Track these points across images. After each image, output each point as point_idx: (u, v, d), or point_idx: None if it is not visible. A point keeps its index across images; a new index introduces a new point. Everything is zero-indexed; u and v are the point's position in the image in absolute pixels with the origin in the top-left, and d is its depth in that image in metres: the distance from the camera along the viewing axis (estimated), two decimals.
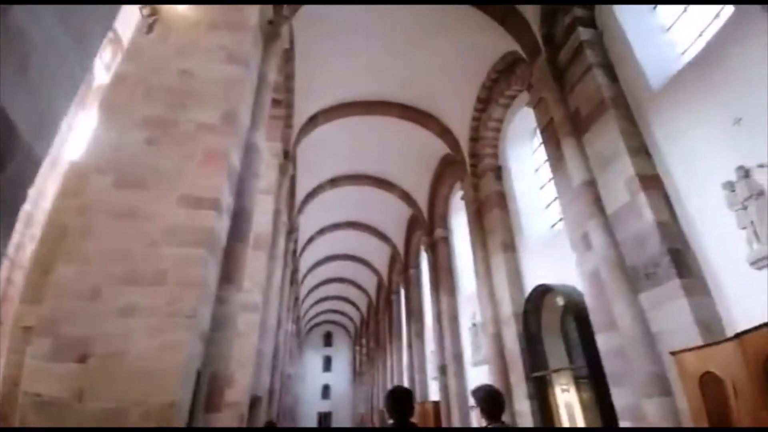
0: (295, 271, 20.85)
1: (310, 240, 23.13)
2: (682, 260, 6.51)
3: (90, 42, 1.37)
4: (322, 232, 23.31)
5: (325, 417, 42.43)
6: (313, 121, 14.16)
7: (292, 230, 16.51)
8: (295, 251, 19.98)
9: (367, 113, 15.04)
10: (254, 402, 9.48)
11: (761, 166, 5.59)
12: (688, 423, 5.89)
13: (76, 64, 1.30)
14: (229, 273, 5.27)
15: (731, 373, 5.21)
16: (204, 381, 4.61)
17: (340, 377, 44.36)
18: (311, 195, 18.61)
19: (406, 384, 21.82)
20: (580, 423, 9.18)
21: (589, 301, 8.27)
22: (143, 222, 4.61)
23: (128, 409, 3.76)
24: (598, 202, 8.00)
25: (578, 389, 9.33)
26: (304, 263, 25.62)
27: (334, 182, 18.95)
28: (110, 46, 18.54)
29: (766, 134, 5.56)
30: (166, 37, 5.95)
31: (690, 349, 5.94)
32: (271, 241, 10.63)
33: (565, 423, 9.47)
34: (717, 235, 6.24)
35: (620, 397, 7.35)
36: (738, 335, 5.29)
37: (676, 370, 6.08)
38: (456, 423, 14.93)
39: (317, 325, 45.94)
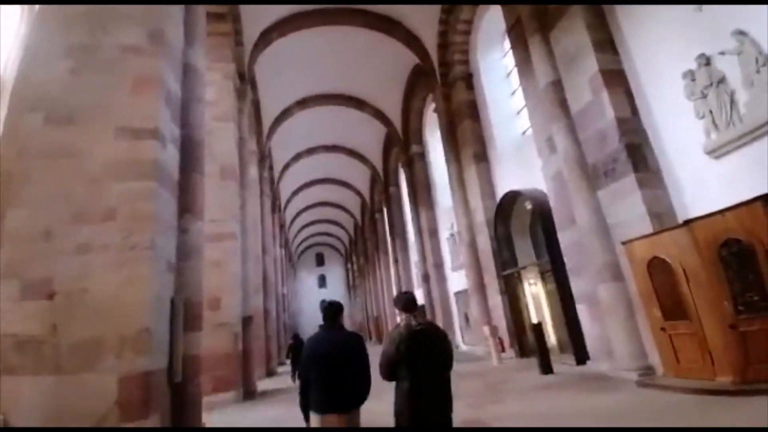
0: (275, 198, 20.83)
1: (287, 167, 22.73)
2: (639, 155, 6.65)
3: None
4: (297, 157, 22.82)
5: None
6: (267, 35, 12.92)
7: (263, 158, 16.11)
8: (272, 179, 19.76)
9: (328, 23, 13.76)
10: (246, 321, 10.14)
11: (722, 53, 5.46)
12: (638, 304, 6.55)
13: None
14: (187, 204, 5.23)
15: (681, 258, 5.65)
16: (179, 307, 4.84)
17: (335, 292, 47.11)
18: (280, 119, 17.80)
19: (394, 292, 23.42)
20: (545, 310, 10.16)
21: (553, 202, 8.59)
22: (81, 159, 4.39)
23: (104, 337, 3.97)
24: (563, 103, 7.87)
25: (543, 282, 10.14)
26: (284, 190, 25.52)
27: (303, 104, 18.03)
28: None
29: (727, 20, 5.33)
30: None
31: (639, 238, 6.37)
32: (240, 170, 10.42)
33: (532, 312, 10.46)
34: (675, 127, 6.30)
35: (578, 285, 8.05)
36: (687, 222, 5.64)
37: (627, 258, 6.61)
38: (439, 322, 16.32)
39: (308, 247, 47.60)
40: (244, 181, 10.54)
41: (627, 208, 6.69)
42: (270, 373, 13.74)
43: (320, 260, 49.45)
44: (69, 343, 3.88)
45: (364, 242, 33.71)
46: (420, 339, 2.46)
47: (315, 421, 2.66)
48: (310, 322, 45.57)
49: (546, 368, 7.82)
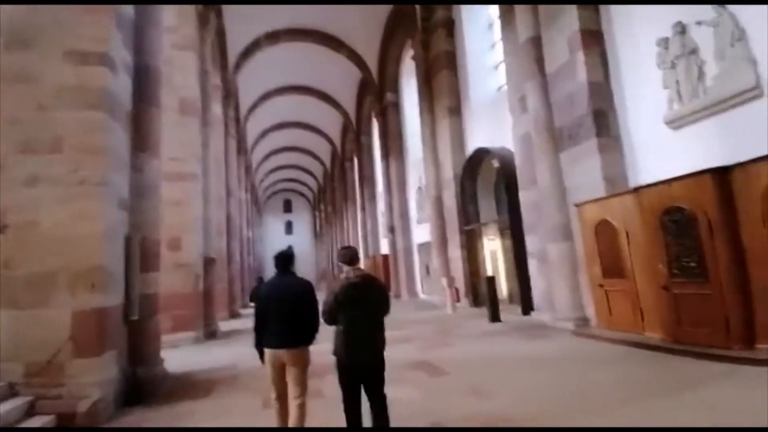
0: (240, 139, 19.93)
1: (254, 107, 21.54)
2: (604, 121, 6.82)
3: None
4: (266, 97, 21.60)
5: None
6: None
7: (229, 94, 15.15)
8: (237, 119, 18.77)
9: None
10: (208, 263, 10.09)
11: (699, 23, 5.48)
12: (582, 262, 7.04)
13: None
14: (141, 140, 4.91)
15: (626, 221, 6.03)
16: (135, 245, 4.73)
17: (301, 239, 47.40)
18: (247, 53, 16.52)
19: (360, 241, 23.83)
20: (501, 265, 10.74)
21: (518, 162, 8.79)
22: (31, 84, 3.98)
23: (56, 272, 3.86)
24: (540, 61, 7.81)
25: (502, 238, 10.61)
26: (251, 131, 24.39)
27: (273, 37, 16.73)
28: None
29: None
30: None
31: (591, 201, 6.72)
32: (202, 105, 9.80)
33: (488, 265, 11.03)
34: (640, 94, 6.44)
35: (532, 243, 8.50)
36: (636, 189, 5.98)
37: (578, 219, 7.01)
38: (402, 271, 16.99)
39: (275, 193, 46.76)
40: (206, 118, 9.97)
41: (584, 172, 6.96)
42: (233, 314, 13.97)
43: (288, 206, 48.98)
44: (24, 276, 3.77)
45: (333, 191, 33.49)
46: (356, 289, 2.76)
47: (268, 355, 2.89)
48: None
49: (495, 317, 8.43)
